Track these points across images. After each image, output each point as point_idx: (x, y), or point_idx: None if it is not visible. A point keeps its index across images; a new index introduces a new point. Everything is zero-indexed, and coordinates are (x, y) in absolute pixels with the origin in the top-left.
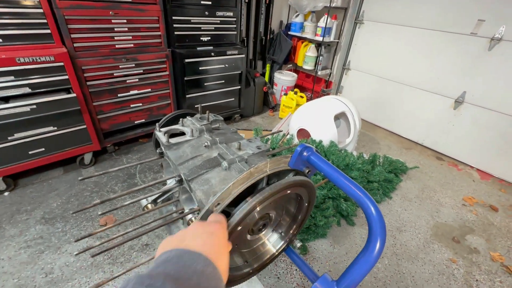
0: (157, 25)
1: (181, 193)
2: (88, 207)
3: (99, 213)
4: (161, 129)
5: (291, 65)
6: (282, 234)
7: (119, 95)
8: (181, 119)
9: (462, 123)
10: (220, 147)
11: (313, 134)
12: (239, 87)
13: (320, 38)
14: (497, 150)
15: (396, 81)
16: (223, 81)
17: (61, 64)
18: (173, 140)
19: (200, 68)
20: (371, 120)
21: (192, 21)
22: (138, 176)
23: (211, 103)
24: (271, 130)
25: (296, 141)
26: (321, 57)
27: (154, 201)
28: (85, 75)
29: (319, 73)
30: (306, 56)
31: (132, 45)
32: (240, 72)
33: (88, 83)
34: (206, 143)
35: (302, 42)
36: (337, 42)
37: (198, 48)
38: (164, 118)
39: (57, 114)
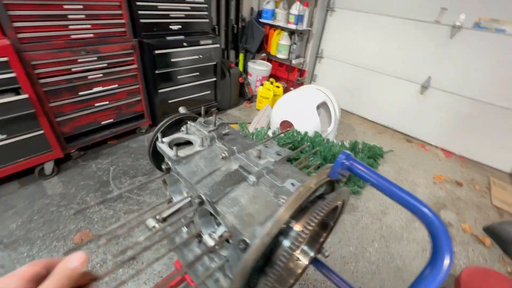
0: (120, 12)
1: (197, 215)
2: (90, 206)
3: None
4: (163, 140)
5: (264, 54)
6: (311, 243)
7: (80, 93)
8: (185, 125)
9: (427, 107)
10: (239, 158)
11: (296, 126)
12: (215, 79)
13: (293, 26)
14: (457, 130)
15: (367, 69)
16: (198, 73)
17: (5, 59)
18: (182, 153)
19: (172, 60)
20: (345, 107)
21: (159, 7)
22: (113, 182)
23: (185, 97)
24: (250, 123)
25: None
26: (294, 46)
27: (163, 220)
28: (37, 71)
29: (293, 62)
30: (280, 45)
31: (92, 35)
32: (215, 63)
33: (41, 81)
34: (223, 154)
35: (275, 30)
36: (309, 30)
37: (168, 38)
38: (161, 124)
39: (6, 119)
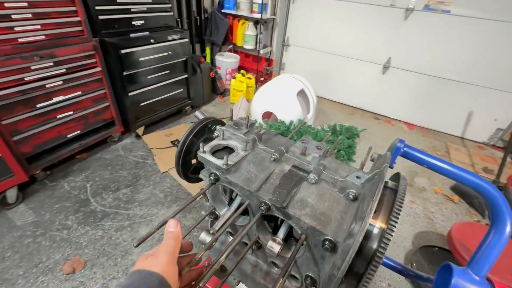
0: (74, 8)
1: (255, 222)
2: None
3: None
4: (205, 149)
5: (231, 45)
6: None
7: (38, 105)
8: (217, 130)
9: (389, 85)
10: (290, 158)
11: (279, 116)
12: (186, 75)
13: (257, 15)
14: (416, 104)
15: (333, 54)
16: (168, 71)
17: None
18: (230, 161)
19: (140, 59)
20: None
21: (118, 1)
22: (93, 200)
23: (158, 98)
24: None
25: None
26: (261, 35)
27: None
28: None
29: (261, 51)
30: (246, 35)
31: (43, 37)
32: (185, 59)
33: None
34: (274, 156)
35: (239, 20)
36: (274, 18)
37: (132, 35)
38: (188, 132)
39: None
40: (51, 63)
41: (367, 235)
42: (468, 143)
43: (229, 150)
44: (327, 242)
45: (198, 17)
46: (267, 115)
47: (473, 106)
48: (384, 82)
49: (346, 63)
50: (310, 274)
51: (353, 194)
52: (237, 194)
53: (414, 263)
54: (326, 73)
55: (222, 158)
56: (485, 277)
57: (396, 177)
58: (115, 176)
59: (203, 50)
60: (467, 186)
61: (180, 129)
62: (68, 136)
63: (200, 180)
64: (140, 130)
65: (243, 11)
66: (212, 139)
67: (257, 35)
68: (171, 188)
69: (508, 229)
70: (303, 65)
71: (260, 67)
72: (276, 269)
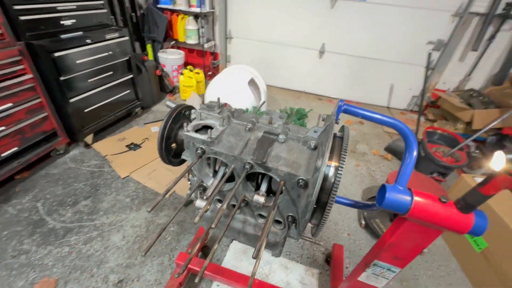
0: None
1: (242, 179)
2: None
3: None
4: (188, 129)
5: (173, 41)
6: None
7: None
8: (193, 113)
9: (326, 68)
10: (261, 126)
11: (234, 105)
12: (131, 76)
13: (196, 9)
14: (350, 83)
15: (274, 43)
16: (111, 73)
17: None
18: (213, 135)
19: (77, 62)
20: None
21: None
22: (50, 218)
23: (104, 101)
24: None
25: None
26: (203, 29)
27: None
28: None
29: (205, 46)
30: (188, 30)
31: None
32: (127, 58)
33: None
34: (248, 126)
35: (178, 15)
36: (213, 12)
37: (63, 36)
38: (167, 118)
39: None
40: None
41: (325, 177)
42: (393, 111)
43: (206, 129)
44: (300, 181)
45: (133, 14)
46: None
47: (393, 79)
48: (322, 65)
49: (287, 50)
50: (291, 214)
51: (313, 144)
52: (219, 165)
53: (365, 212)
54: (270, 62)
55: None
56: (406, 187)
57: (342, 129)
58: (69, 190)
59: (143, 48)
60: (389, 127)
61: (134, 133)
62: (3, 155)
63: (182, 162)
64: (88, 139)
65: (181, 5)
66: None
67: (198, 29)
68: (136, 191)
69: (415, 152)
70: (248, 56)
71: (206, 61)
72: (262, 219)
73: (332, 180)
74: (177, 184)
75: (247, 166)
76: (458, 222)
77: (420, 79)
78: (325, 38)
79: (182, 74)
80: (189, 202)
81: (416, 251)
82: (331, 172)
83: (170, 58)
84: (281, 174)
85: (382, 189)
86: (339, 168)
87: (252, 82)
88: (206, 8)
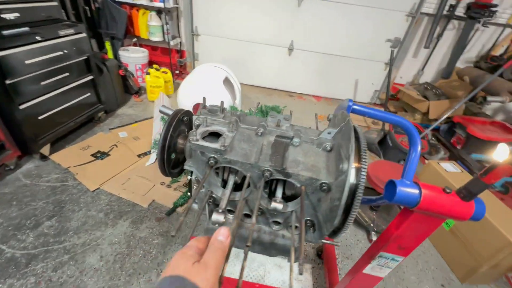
0: None
1: (262, 188)
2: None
3: None
4: (198, 138)
5: (135, 39)
6: None
7: None
8: (196, 119)
9: (296, 65)
10: (272, 130)
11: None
12: (91, 76)
13: (159, 4)
14: (319, 79)
15: (244, 40)
16: (67, 74)
17: None
18: (225, 142)
19: (26, 62)
20: None
21: None
22: (6, 246)
23: (61, 106)
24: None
25: None
26: (167, 26)
27: (225, 212)
28: None
29: (171, 43)
30: (151, 26)
31: None
32: (85, 57)
33: None
34: (260, 131)
35: (138, 10)
36: (177, 7)
37: (5, 32)
38: (167, 125)
39: None
40: None
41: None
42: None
43: (212, 136)
44: (323, 185)
45: (86, 8)
46: (197, 107)
47: (358, 75)
48: (291, 62)
49: (257, 48)
50: (309, 218)
51: (329, 146)
52: (228, 174)
53: None
54: (241, 60)
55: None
56: (413, 180)
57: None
58: (27, 210)
59: (101, 46)
60: (394, 124)
61: (98, 140)
62: None
63: (181, 173)
64: (45, 150)
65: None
66: (183, 130)
67: (163, 25)
68: (110, 205)
69: (419, 147)
70: (217, 54)
71: (172, 60)
72: (276, 226)
73: (355, 182)
74: (156, 192)
75: (267, 174)
76: (462, 210)
77: (380, 74)
78: (294, 36)
79: (148, 73)
80: (172, 211)
81: (421, 239)
82: (352, 173)
83: (133, 56)
84: (302, 180)
85: (391, 184)
86: (362, 169)
87: (226, 81)
88: (170, 3)
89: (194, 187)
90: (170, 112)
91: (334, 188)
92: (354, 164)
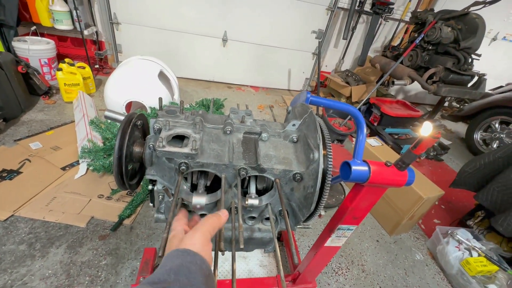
0: None
1: (239, 187)
2: None
3: None
4: (164, 144)
5: (34, 27)
6: None
7: None
8: (156, 123)
9: (231, 56)
10: (240, 127)
11: (147, 103)
12: None
13: None
14: (255, 69)
15: (175, 31)
16: None
17: None
18: (196, 145)
19: None
20: None
21: None
22: None
23: None
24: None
25: None
26: (77, 12)
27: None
28: None
29: (86, 32)
30: (55, 12)
31: None
32: None
33: None
34: (228, 129)
35: None
36: None
37: None
38: (121, 133)
39: None
40: None
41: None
42: (293, 92)
43: (176, 138)
44: (297, 175)
45: None
46: (136, 105)
47: (289, 64)
48: (226, 53)
49: (189, 39)
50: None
51: (295, 137)
52: (197, 178)
53: None
54: (173, 52)
55: (179, 147)
56: (362, 159)
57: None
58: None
59: None
60: (345, 111)
61: (1, 155)
62: None
63: (139, 184)
64: None
65: None
66: (138, 136)
67: (71, 11)
68: (33, 232)
69: (365, 130)
70: (144, 46)
71: (89, 52)
72: (251, 221)
73: (324, 168)
74: (95, 207)
75: (243, 172)
76: (400, 179)
77: (309, 63)
78: (227, 26)
79: (60, 69)
80: (118, 225)
81: (369, 208)
82: (321, 161)
83: (35, 49)
84: (276, 173)
85: (346, 165)
86: (328, 156)
87: (161, 75)
88: None
89: (160, 197)
90: (120, 118)
91: (306, 176)
92: (321, 151)
